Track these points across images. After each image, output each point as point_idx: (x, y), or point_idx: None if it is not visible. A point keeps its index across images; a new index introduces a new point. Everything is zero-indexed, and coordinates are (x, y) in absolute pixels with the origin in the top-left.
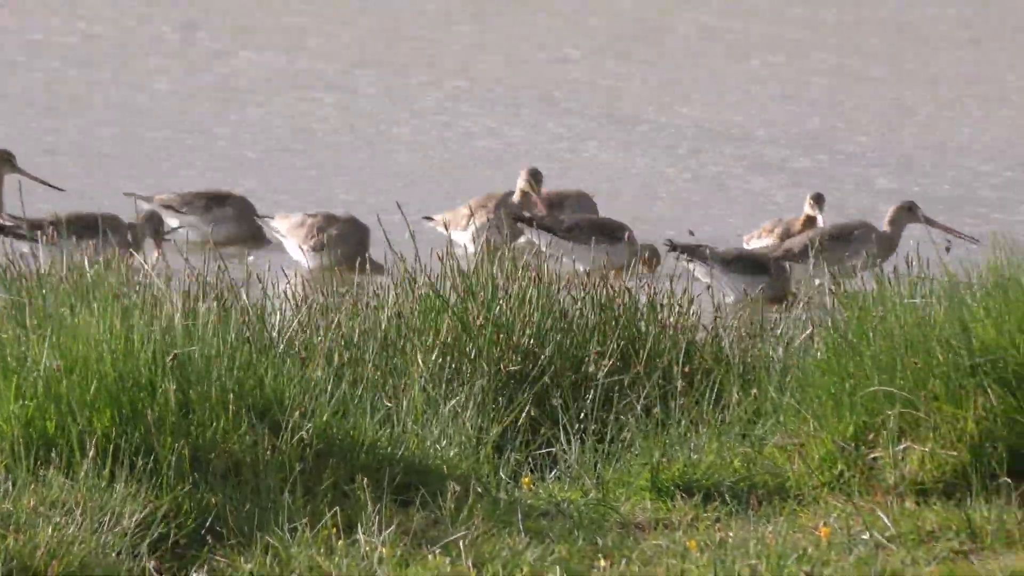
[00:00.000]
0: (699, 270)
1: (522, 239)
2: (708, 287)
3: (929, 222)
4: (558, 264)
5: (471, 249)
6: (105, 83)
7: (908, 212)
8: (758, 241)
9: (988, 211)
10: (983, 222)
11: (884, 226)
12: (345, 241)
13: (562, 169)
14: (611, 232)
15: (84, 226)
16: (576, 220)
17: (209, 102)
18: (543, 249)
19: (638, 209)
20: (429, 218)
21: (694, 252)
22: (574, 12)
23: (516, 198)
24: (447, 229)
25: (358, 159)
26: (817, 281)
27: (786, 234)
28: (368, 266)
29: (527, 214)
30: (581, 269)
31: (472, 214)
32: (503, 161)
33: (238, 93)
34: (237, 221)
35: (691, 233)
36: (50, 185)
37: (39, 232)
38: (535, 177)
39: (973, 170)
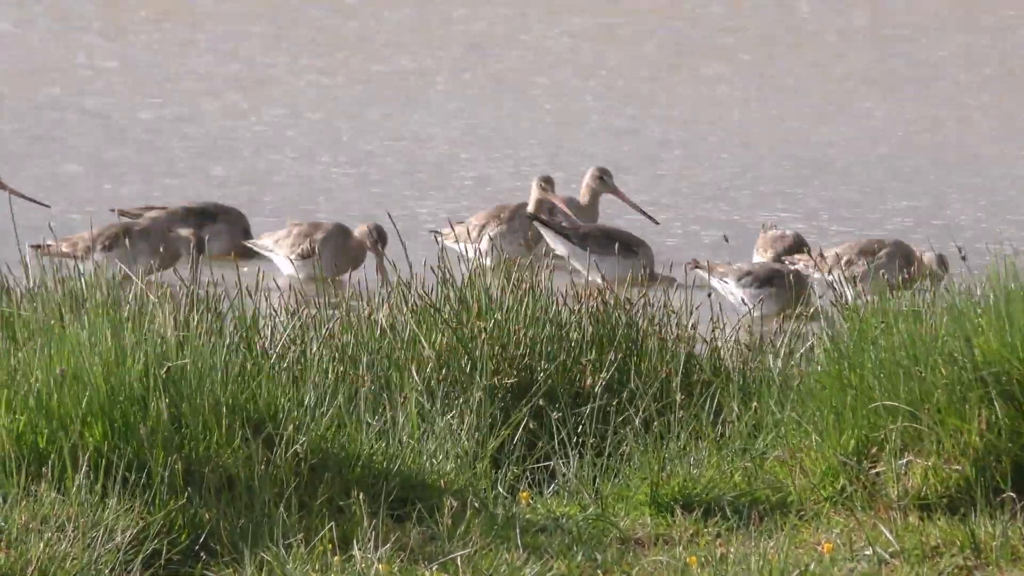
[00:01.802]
0: (719, 287)
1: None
2: (709, 295)
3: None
4: (570, 274)
5: (486, 261)
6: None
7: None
8: (757, 256)
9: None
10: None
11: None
12: (331, 247)
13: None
14: (626, 245)
15: (118, 238)
16: (592, 228)
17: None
18: (559, 254)
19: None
20: (436, 232)
21: (712, 271)
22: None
23: (531, 208)
24: (458, 242)
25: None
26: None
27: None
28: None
29: (544, 216)
30: (595, 279)
31: (484, 225)
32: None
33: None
34: (230, 236)
35: (726, 239)
36: (36, 202)
37: (84, 251)
38: (548, 183)
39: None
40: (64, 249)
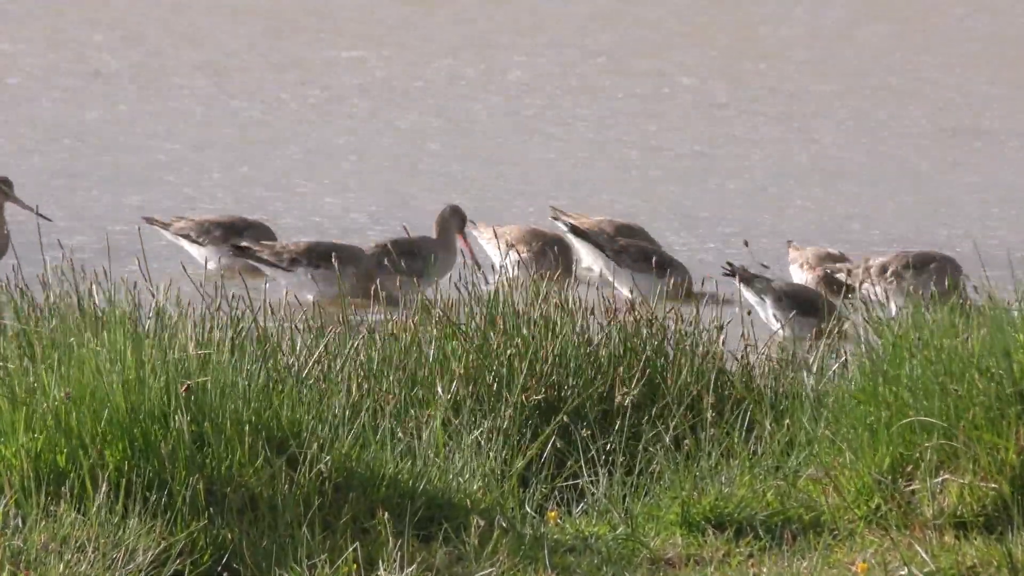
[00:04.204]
0: (750, 298)
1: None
2: (749, 313)
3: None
4: (598, 289)
5: (508, 277)
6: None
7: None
8: (800, 272)
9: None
10: None
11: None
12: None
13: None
14: (659, 263)
15: (320, 255)
16: (627, 243)
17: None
18: (593, 267)
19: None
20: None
21: (749, 282)
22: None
23: (550, 216)
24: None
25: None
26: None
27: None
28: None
29: (578, 225)
30: (626, 294)
31: (514, 245)
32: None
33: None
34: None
35: (745, 244)
36: (41, 215)
37: (283, 259)
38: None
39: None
40: (268, 256)
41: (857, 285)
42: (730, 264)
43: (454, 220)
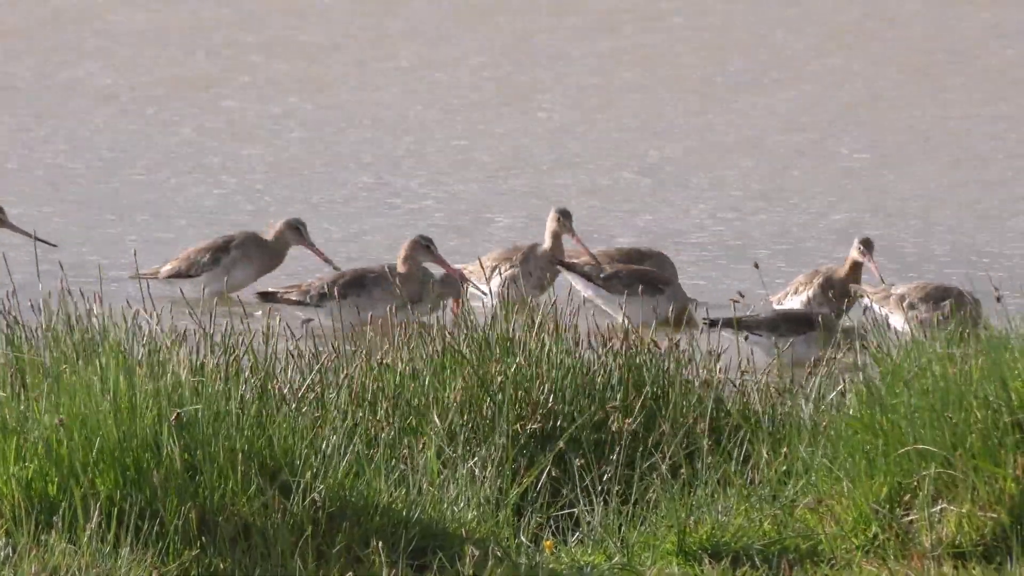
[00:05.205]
0: (749, 339)
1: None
2: (746, 338)
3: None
4: (591, 316)
5: (497, 303)
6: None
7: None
8: (795, 297)
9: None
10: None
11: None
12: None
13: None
14: (653, 283)
15: (347, 285)
16: (617, 270)
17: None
18: (585, 296)
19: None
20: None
21: (737, 326)
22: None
23: (547, 244)
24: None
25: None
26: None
27: (828, 283)
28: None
29: (567, 260)
30: (620, 320)
31: (496, 267)
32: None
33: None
34: (247, 260)
35: (741, 295)
36: (44, 241)
37: (317, 297)
38: (565, 216)
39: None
40: (293, 297)
41: (871, 303)
42: (708, 319)
43: (419, 251)
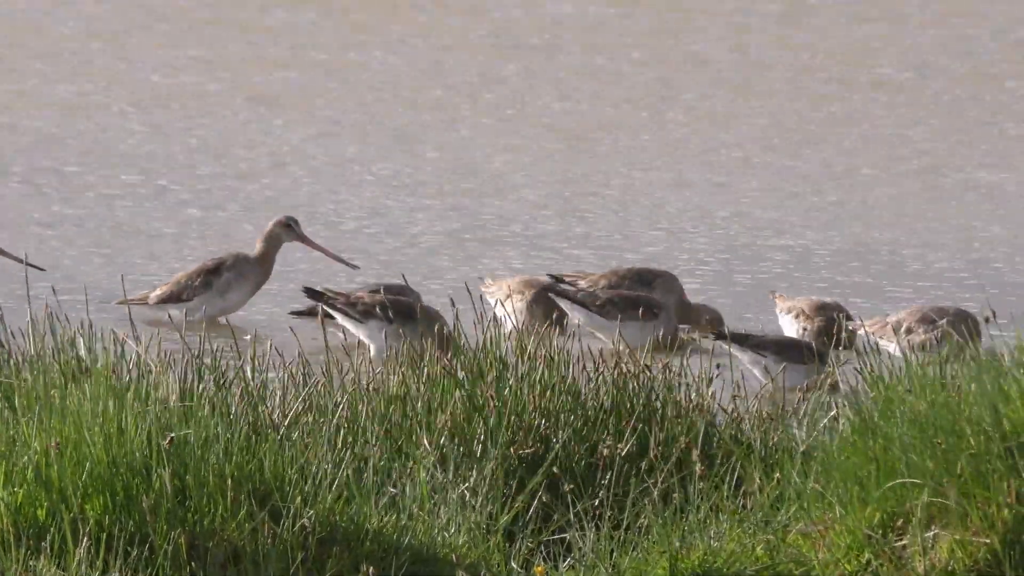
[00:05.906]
0: (747, 359)
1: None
2: (740, 366)
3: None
4: (579, 341)
5: (508, 326)
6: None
7: (286, 229)
8: (794, 321)
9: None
10: None
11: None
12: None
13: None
14: (648, 308)
15: (397, 311)
16: (611, 295)
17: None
18: (579, 323)
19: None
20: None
21: (743, 341)
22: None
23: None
24: (490, 298)
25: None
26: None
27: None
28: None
29: (562, 287)
30: (614, 346)
31: (509, 296)
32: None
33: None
34: (241, 280)
35: (772, 294)
36: (32, 265)
37: (357, 310)
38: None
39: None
40: (341, 306)
41: (867, 335)
42: (718, 331)
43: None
